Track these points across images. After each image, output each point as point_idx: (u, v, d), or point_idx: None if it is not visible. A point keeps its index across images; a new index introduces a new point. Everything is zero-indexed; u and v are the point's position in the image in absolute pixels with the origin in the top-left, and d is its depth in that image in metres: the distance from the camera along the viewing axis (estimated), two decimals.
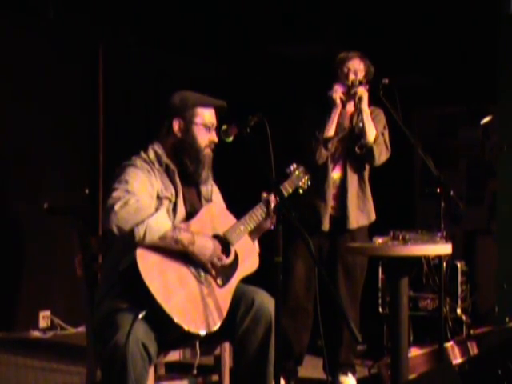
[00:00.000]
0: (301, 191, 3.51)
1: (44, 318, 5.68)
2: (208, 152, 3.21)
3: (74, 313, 5.62)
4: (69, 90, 5.94)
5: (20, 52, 5.57)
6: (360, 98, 4.17)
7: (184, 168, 3.18)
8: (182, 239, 2.95)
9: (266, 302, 3.07)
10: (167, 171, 3.16)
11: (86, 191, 6.10)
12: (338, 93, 4.18)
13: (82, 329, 5.41)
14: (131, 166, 3.08)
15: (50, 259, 5.72)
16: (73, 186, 5.99)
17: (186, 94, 3.21)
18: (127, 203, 2.90)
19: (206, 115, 3.19)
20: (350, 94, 4.21)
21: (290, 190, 3.44)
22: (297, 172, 3.48)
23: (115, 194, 2.94)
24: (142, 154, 3.17)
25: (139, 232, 2.86)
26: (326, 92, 4.20)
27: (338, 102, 4.19)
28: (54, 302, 5.76)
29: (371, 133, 4.18)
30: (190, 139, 3.17)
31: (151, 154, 3.16)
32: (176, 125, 3.18)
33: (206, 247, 3.00)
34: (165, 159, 3.17)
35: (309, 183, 3.53)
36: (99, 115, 6.15)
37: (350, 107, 4.31)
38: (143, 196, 3.00)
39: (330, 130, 4.21)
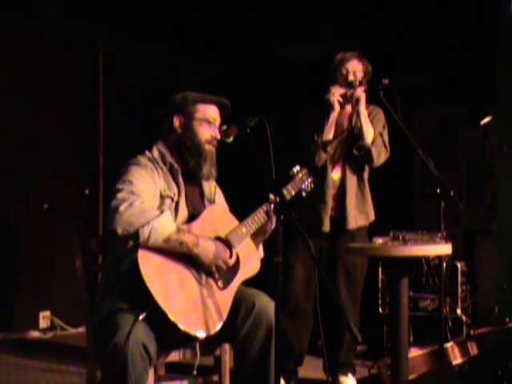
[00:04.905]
0: (304, 194, 3.48)
1: (44, 318, 5.68)
2: (209, 148, 3.20)
3: (74, 313, 5.61)
4: (69, 90, 5.94)
5: (20, 52, 5.57)
6: (357, 100, 4.16)
7: (186, 165, 3.18)
8: (187, 241, 2.94)
9: (266, 305, 3.06)
10: (171, 170, 3.16)
11: (86, 191, 6.10)
12: (335, 96, 4.18)
13: (82, 329, 5.40)
14: (135, 164, 3.09)
15: (49, 259, 5.71)
16: (73, 186, 5.98)
17: (187, 92, 3.24)
18: (132, 205, 2.90)
19: (207, 110, 3.20)
20: (347, 96, 4.20)
21: (293, 193, 3.41)
22: (300, 174, 3.46)
23: (120, 196, 2.93)
24: (147, 152, 3.18)
25: (144, 233, 2.86)
26: (323, 95, 4.19)
27: (336, 105, 4.18)
28: (54, 302, 5.76)
29: (369, 135, 4.17)
30: (190, 133, 3.18)
31: (155, 153, 3.17)
32: (177, 121, 3.19)
33: (209, 249, 3.00)
34: (169, 158, 3.17)
35: (312, 186, 3.51)
36: (99, 115, 6.15)
37: (349, 107, 4.30)
38: (148, 197, 3.00)
39: (329, 134, 4.20)
